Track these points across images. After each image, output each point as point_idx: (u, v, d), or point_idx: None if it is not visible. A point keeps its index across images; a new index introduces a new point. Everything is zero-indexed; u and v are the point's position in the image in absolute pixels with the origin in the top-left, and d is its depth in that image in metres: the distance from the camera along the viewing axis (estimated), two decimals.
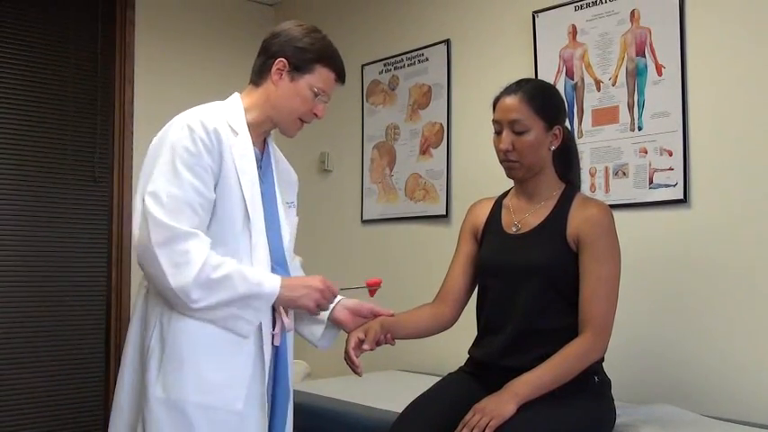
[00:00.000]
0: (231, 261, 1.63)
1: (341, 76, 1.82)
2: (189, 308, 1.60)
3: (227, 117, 1.73)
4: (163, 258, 1.57)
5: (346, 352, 1.88)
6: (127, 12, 3.62)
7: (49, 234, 3.45)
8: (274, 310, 1.73)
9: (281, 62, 1.75)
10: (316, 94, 1.77)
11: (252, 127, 1.76)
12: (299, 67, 1.75)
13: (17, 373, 3.34)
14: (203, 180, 1.63)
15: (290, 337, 1.84)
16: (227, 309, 1.62)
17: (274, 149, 1.92)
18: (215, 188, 1.67)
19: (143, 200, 1.63)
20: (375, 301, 1.99)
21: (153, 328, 1.65)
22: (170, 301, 1.62)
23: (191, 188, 1.61)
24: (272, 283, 1.67)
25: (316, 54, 1.76)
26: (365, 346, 1.87)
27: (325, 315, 1.89)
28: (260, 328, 1.69)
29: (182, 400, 1.60)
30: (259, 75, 1.79)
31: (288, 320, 1.76)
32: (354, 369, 1.88)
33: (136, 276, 3.52)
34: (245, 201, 1.69)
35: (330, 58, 1.78)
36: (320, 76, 1.77)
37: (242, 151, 1.71)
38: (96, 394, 3.56)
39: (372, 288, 1.94)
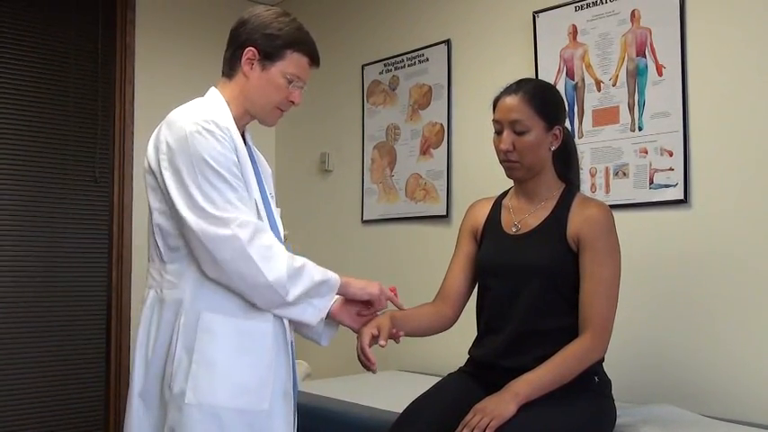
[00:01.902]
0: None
1: (314, 60, 1.75)
2: (283, 302, 1.60)
3: (222, 116, 1.68)
4: (255, 255, 1.54)
5: (361, 349, 1.80)
6: (127, 12, 3.62)
7: (49, 234, 3.45)
8: None
9: (250, 51, 1.68)
10: (290, 81, 1.71)
11: (235, 122, 1.72)
12: (269, 54, 1.68)
13: (17, 372, 3.34)
14: (240, 178, 1.62)
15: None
16: (306, 299, 1.64)
17: (252, 142, 1.89)
18: None
19: (202, 213, 1.55)
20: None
21: (175, 336, 1.61)
22: (260, 299, 1.60)
23: (239, 186, 1.60)
24: (334, 276, 1.70)
25: (286, 39, 1.69)
26: (381, 342, 1.81)
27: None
28: (282, 324, 1.69)
29: (215, 405, 1.58)
30: (230, 66, 1.73)
31: None
32: (370, 366, 1.81)
33: (136, 276, 3.53)
34: (254, 200, 1.68)
35: (302, 43, 1.71)
36: (292, 62, 1.70)
37: (241, 152, 1.68)
38: (96, 394, 3.56)
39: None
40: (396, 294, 1.90)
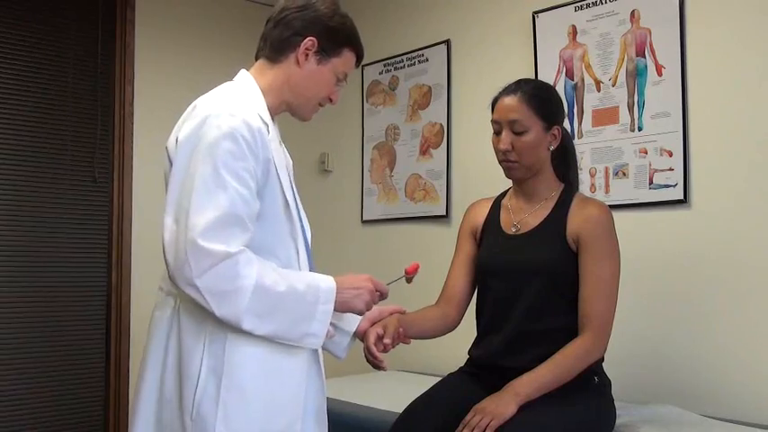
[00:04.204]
0: (282, 278, 1.46)
1: (360, 61, 1.68)
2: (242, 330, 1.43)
3: (256, 107, 1.52)
4: (204, 290, 1.36)
5: (367, 348, 1.80)
6: (127, 12, 3.62)
7: (48, 235, 3.45)
8: None
9: (310, 41, 1.56)
10: (338, 79, 1.64)
11: (269, 113, 1.59)
12: (327, 49, 1.59)
13: (17, 373, 3.33)
14: (249, 187, 1.42)
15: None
16: (289, 331, 1.47)
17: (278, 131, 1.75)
18: (258, 193, 1.47)
19: (177, 219, 1.40)
20: (384, 302, 1.96)
21: (200, 356, 1.45)
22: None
23: (239, 198, 1.39)
24: (327, 293, 1.52)
25: (346, 37, 1.61)
26: (386, 340, 1.79)
27: (352, 327, 1.79)
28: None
29: None
30: (279, 51, 1.58)
31: (331, 328, 1.59)
32: (378, 364, 1.79)
33: (136, 278, 3.53)
34: (287, 203, 1.54)
35: (357, 40, 1.65)
36: (345, 60, 1.63)
37: (275, 146, 1.54)
38: (96, 395, 3.56)
39: (410, 276, 1.85)
40: (414, 274, 1.83)
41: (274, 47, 1.60)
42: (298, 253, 1.57)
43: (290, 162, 1.74)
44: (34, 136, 3.43)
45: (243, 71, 1.63)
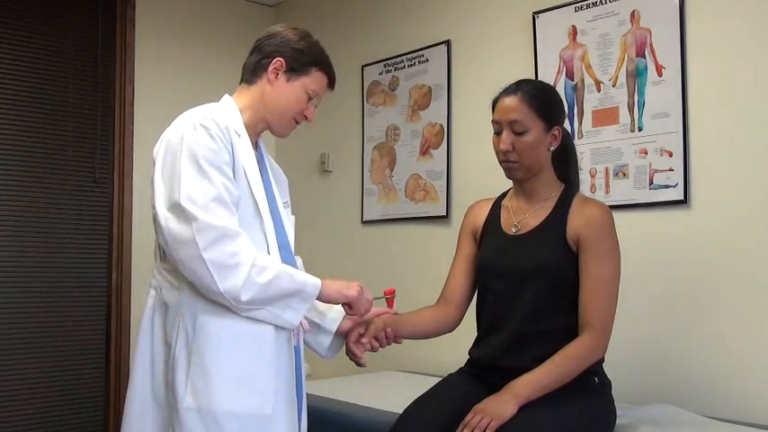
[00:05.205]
0: (274, 260, 1.64)
1: (332, 82, 1.85)
2: (237, 309, 1.59)
3: (228, 119, 1.71)
4: (210, 263, 1.53)
5: (346, 345, 1.90)
6: (127, 11, 3.62)
7: (49, 235, 3.45)
8: None
9: (278, 62, 1.75)
10: (309, 97, 1.79)
11: (247, 128, 1.76)
12: (295, 68, 1.77)
13: (18, 373, 3.34)
14: (229, 177, 1.62)
15: (302, 338, 1.84)
16: (270, 308, 1.62)
17: (266, 151, 1.93)
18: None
19: (173, 206, 1.56)
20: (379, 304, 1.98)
21: (175, 334, 1.62)
22: (218, 302, 1.59)
23: (222, 186, 1.58)
24: (313, 282, 1.67)
25: (312, 57, 1.79)
26: (363, 340, 1.88)
27: (333, 326, 1.91)
28: (282, 331, 1.68)
29: (212, 409, 1.58)
30: (253, 73, 1.79)
31: (305, 321, 1.76)
32: (357, 360, 1.89)
33: (136, 277, 3.53)
34: (255, 201, 1.69)
35: (325, 63, 1.82)
36: (315, 79, 1.79)
37: (245, 153, 1.70)
38: (97, 394, 3.56)
39: (389, 297, 1.97)
40: (393, 296, 1.95)
41: (250, 71, 1.81)
42: (268, 248, 1.70)
43: (285, 180, 1.95)
44: (34, 136, 3.43)
45: (226, 95, 1.81)
